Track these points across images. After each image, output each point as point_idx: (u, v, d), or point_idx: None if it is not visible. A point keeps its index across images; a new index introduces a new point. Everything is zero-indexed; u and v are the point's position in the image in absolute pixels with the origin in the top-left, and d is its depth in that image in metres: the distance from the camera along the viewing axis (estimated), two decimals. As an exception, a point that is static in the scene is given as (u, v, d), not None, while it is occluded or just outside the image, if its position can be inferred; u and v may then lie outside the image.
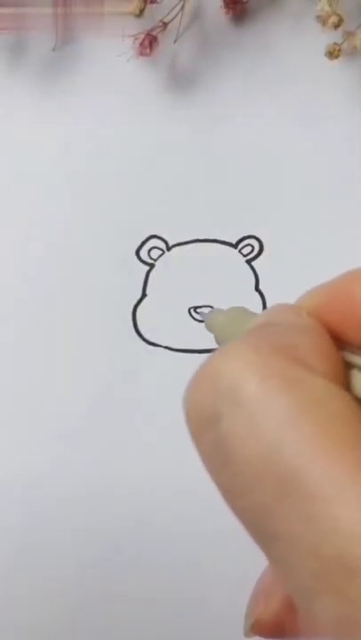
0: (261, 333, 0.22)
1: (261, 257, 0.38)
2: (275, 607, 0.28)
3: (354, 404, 0.19)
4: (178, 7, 0.39)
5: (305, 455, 0.17)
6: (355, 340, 0.23)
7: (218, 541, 0.35)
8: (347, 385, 0.20)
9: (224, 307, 0.37)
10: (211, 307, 0.37)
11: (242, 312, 0.34)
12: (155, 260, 0.38)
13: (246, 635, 0.29)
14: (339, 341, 0.22)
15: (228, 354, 0.20)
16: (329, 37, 0.37)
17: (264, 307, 0.37)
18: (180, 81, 0.40)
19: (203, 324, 0.37)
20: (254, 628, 0.29)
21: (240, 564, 0.35)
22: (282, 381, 0.18)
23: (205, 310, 0.36)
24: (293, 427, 0.17)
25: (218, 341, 0.34)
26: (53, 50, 0.41)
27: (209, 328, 0.34)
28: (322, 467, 0.17)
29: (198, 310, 0.37)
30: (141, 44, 0.39)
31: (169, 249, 0.38)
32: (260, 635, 0.29)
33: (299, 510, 0.17)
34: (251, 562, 0.34)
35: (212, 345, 0.37)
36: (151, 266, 0.38)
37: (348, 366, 0.21)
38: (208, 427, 0.19)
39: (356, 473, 0.16)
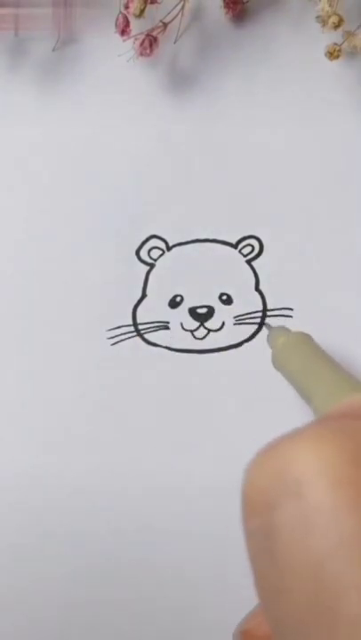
0: (349, 430, 0.19)
1: (262, 257, 0.38)
2: (267, 629, 0.27)
3: None
4: (178, 7, 0.39)
5: (345, 585, 0.16)
6: None
7: (217, 541, 0.35)
8: None
9: (226, 308, 0.37)
10: (211, 307, 0.37)
11: (304, 341, 0.33)
12: (155, 260, 0.38)
13: (234, 638, 0.29)
14: None
15: (305, 443, 0.18)
16: (329, 37, 0.37)
17: (264, 307, 0.37)
18: (180, 81, 0.40)
19: (201, 324, 0.37)
20: (244, 635, 0.29)
21: (240, 563, 0.35)
22: (355, 495, 0.17)
23: (273, 325, 0.36)
24: (346, 552, 0.16)
25: (272, 360, 0.33)
26: (53, 50, 0.41)
27: (269, 344, 0.34)
28: (358, 601, 0.16)
29: (266, 322, 0.37)
30: (142, 45, 0.39)
31: (169, 249, 0.38)
32: None
33: (327, 629, 0.16)
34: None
35: (212, 346, 0.37)
36: (151, 266, 0.38)
37: None
38: (262, 511, 0.18)
39: None
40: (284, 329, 0.34)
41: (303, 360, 0.32)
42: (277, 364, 0.33)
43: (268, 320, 0.37)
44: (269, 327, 0.35)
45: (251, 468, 0.19)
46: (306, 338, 0.33)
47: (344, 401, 0.23)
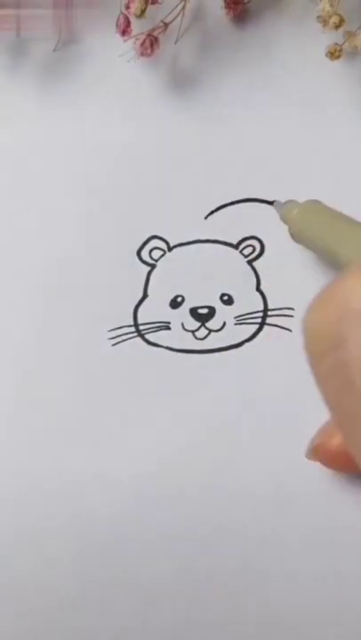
0: None
1: (263, 257, 0.38)
2: (338, 441, 0.28)
3: None
4: (179, 8, 0.39)
5: None
6: None
7: (217, 541, 0.35)
8: None
9: (227, 309, 0.37)
10: (212, 307, 0.37)
11: (317, 205, 0.34)
12: (156, 261, 0.38)
13: (308, 456, 0.32)
14: None
15: (356, 276, 0.19)
16: (330, 38, 0.37)
17: (265, 307, 0.37)
18: (181, 81, 0.40)
19: (202, 324, 0.37)
20: (316, 451, 0.32)
21: (241, 564, 0.35)
22: None
23: (282, 200, 0.36)
24: None
25: (291, 232, 0.33)
26: (54, 50, 0.41)
27: (283, 219, 0.34)
28: None
29: (274, 200, 0.37)
30: (142, 45, 0.39)
31: (170, 249, 0.38)
32: (320, 459, 0.32)
33: None
34: (251, 557, 0.34)
35: (213, 346, 0.37)
36: (152, 266, 0.38)
37: None
38: (331, 348, 0.18)
39: None
40: (293, 201, 0.35)
41: (323, 222, 0.33)
42: (297, 234, 0.34)
43: (268, 319, 0.37)
44: (278, 204, 0.35)
45: (310, 310, 0.19)
46: (317, 203, 0.34)
47: None
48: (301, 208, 0.34)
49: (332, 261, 0.32)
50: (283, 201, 0.36)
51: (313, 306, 0.20)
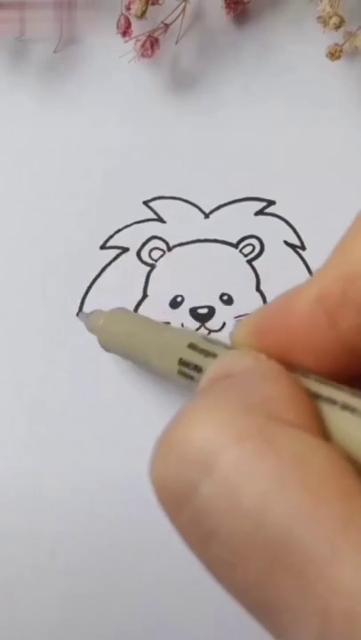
0: (226, 389, 0.19)
1: (262, 257, 0.38)
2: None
3: (334, 452, 0.17)
4: (179, 8, 0.39)
5: (293, 518, 0.15)
6: (300, 360, 0.21)
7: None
8: (321, 427, 0.19)
9: (227, 309, 0.37)
10: (212, 307, 0.37)
11: (121, 313, 0.34)
12: (155, 261, 0.38)
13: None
14: (285, 365, 0.21)
15: (195, 417, 0.18)
16: (330, 38, 0.37)
17: (265, 307, 0.37)
18: (182, 82, 0.40)
19: (202, 324, 0.37)
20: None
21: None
22: (259, 443, 0.17)
23: (87, 311, 0.36)
24: (277, 490, 0.16)
25: (101, 344, 0.34)
26: (55, 51, 0.41)
27: (90, 330, 0.34)
28: (313, 528, 0.15)
29: (80, 313, 0.37)
30: (143, 46, 0.39)
31: (170, 249, 0.38)
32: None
33: (295, 577, 0.15)
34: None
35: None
36: (152, 266, 0.38)
37: (314, 396, 0.20)
38: (183, 502, 0.17)
39: (348, 529, 0.15)
40: (99, 311, 0.35)
41: (129, 329, 0.32)
42: (105, 343, 0.34)
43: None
44: (83, 316, 0.35)
45: (153, 465, 0.19)
46: (123, 311, 0.34)
47: (207, 373, 0.23)
48: (107, 318, 0.34)
49: (144, 366, 0.32)
50: (87, 312, 0.36)
51: (154, 459, 0.19)
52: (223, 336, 0.37)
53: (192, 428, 0.18)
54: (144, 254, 0.38)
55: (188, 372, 0.27)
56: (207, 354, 0.26)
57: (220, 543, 0.17)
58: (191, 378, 0.26)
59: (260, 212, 0.38)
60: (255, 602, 0.17)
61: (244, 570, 0.16)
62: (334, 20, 0.37)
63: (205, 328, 0.37)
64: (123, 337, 0.33)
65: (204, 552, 0.17)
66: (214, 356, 0.26)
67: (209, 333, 0.37)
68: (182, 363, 0.27)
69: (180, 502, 0.18)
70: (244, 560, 0.16)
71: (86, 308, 0.38)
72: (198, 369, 0.26)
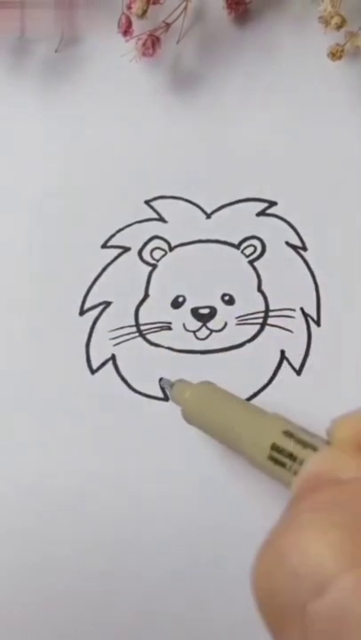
0: (337, 502, 0.18)
1: (264, 257, 0.38)
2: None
3: None
4: (180, 8, 0.39)
5: None
6: None
7: (217, 544, 0.35)
8: None
9: (228, 309, 0.37)
10: (213, 307, 0.37)
11: (211, 388, 0.33)
12: (157, 261, 0.38)
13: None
14: None
15: (310, 533, 0.17)
16: (332, 38, 0.37)
17: (267, 307, 0.37)
18: (183, 81, 0.40)
19: (204, 324, 0.37)
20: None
21: (241, 568, 0.35)
22: None
23: (170, 380, 0.35)
24: None
25: (185, 417, 0.33)
26: (56, 51, 0.41)
27: (174, 400, 0.34)
28: None
29: (162, 379, 0.36)
30: (144, 45, 0.39)
31: (171, 249, 0.38)
32: None
33: None
34: (252, 556, 0.34)
35: (214, 346, 0.37)
36: (153, 266, 0.38)
37: None
38: (288, 614, 0.17)
39: None
40: (185, 382, 0.34)
41: (217, 408, 0.32)
42: (190, 417, 0.33)
43: (270, 320, 0.37)
44: (169, 384, 0.35)
45: (258, 571, 0.18)
46: (210, 386, 0.33)
47: (306, 468, 0.23)
48: (194, 392, 0.33)
49: (225, 442, 0.31)
50: (172, 380, 0.35)
51: (260, 564, 0.18)
52: (224, 337, 0.37)
53: (306, 543, 0.17)
54: (145, 254, 0.38)
55: (281, 458, 0.27)
56: (305, 445, 0.27)
57: None
58: (282, 464, 0.27)
59: (261, 213, 0.38)
60: None
61: None
62: (336, 20, 0.37)
63: (207, 328, 0.37)
64: (211, 414, 0.32)
65: None
66: (313, 448, 0.26)
67: (210, 334, 0.37)
68: (275, 448, 0.28)
69: (285, 615, 0.17)
70: None
71: (86, 308, 0.38)
72: (293, 457, 0.27)
